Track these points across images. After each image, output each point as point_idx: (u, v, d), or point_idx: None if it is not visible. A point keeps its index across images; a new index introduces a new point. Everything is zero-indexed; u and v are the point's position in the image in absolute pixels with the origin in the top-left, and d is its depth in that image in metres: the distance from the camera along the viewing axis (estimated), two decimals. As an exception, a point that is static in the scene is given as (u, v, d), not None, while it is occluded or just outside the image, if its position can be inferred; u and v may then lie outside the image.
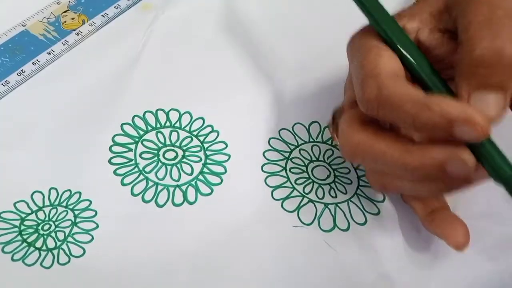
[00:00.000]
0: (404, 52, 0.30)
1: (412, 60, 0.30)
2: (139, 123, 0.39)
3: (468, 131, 0.26)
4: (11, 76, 0.42)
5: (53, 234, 0.34)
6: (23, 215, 0.34)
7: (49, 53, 0.43)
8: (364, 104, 0.29)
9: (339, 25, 0.45)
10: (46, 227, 0.34)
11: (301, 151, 0.38)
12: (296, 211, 0.36)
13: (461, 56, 0.28)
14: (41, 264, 0.33)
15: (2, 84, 0.41)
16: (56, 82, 0.41)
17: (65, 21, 0.45)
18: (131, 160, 0.37)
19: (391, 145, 0.29)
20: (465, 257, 0.35)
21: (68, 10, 0.45)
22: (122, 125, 0.38)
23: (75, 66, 0.42)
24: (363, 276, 0.34)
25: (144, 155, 0.37)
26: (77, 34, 0.44)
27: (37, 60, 0.42)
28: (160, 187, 0.36)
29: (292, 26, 0.45)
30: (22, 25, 0.44)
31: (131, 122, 0.39)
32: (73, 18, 0.45)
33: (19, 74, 0.42)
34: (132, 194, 0.36)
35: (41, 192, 0.35)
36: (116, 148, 0.37)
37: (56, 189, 0.36)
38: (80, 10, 0.45)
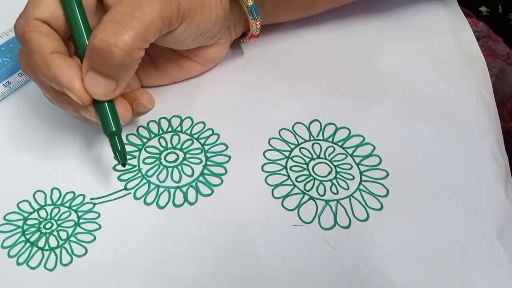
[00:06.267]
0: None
1: (67, 10, 0.36)
2: (143, 132, 0.42)
3: (72, 96, 0.34)
4: (12, 77, 0.43)
5: (55, 233, 0.37)
6: (26, 215, 0.38)
7: (50, 53, 0.44)
8: (15, 33, 0.36)
9: (338, 25, 0.46)
10: (48, 225, 0.37)
11: (302, 150, 0.40)
12: (296, 209, 0.38)
13: (92, 33, 0.34)
14: (44, 266, 0.36)
15: (3, 85, 0.43)
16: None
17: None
18: (135, 166, 0.40)
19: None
20: (466, 256, 0.36)
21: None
22: (127, 135, 0.41)
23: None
24: (364, 275, 0.35)
25: (146, 160, 0.40)
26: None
27: (38, 60, 0.44)
28: (161, 189, 0.39)
29: (290, 26, 0.46)
30: (24, 25, 0.45)
31: (135, 133, 0.42)
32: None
33: (20, 75, 0.44)
34: (135, 198, 0.38)
35: (43, 192, 0.39)
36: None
37: (58, 189, 0.39)
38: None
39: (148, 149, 0.41)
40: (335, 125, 0.41)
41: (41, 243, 0.36)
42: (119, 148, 0.37)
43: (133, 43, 0.33)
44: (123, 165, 0.37)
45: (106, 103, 0.36)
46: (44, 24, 0.35)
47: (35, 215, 0.37)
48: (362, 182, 0.39)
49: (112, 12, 0.34)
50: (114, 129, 0.36)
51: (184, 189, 0.38)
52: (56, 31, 0.36)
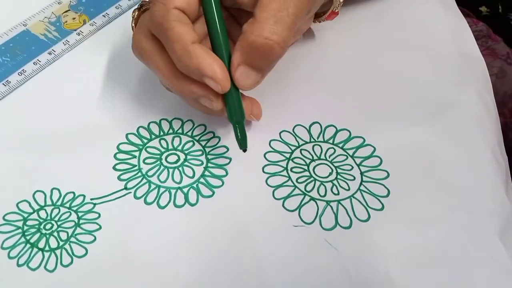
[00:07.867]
0: None
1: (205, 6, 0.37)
2: (144, 132, 0.42)
3: (212, 84, 0.36)
4: (12, 76, 0.44)
5: (55, 234, 0.37)
6: (26, 215, 0.38)
7: (50, 53, 0.45)
8: (151, 22, 0.37)
9: (337, 26, 0.47)
10: (48, 226, 0.37)
11: (302, 151, 0.41)
12: (297, 210, 0.38)
13: (247, 29, 0.35)
14: (45, 267, 0.36)
15: (3, 84, 0.43)
16: (57, 82, 0.44)
17: (66, 21, 0.47)
18: (135, 166, 0.40)
19: (166, 65, 0.37)
20: (467, 256, 0.36)
21: (69, 10, 0.48)
22: (127, 134, 0.41)
23: (76, 66, 0.45)
24: (365, 275, 0.36)
25: (147, 160, 0.41)
26: (78, 34, 0.46)
27: (38, 60, 0.45)
28: (162, 190, 0.39)
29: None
30: (23, 25, 0.46)
31: (135, 132, 0.42)
32: (74, 18, 0.47)
33: (20, 74, 0.44)
34: (135, 197, 0.39)
35: (43, 192, 0.39)
36: (120, 156, 0.41)
37: (58, 189, 0.39)
38: (81, 10, 0.48)
39: (148, 149, 0.41)
40: (335, 127, 0.41)
41: (41, 244, 0.36)
42: (244, 135, 0.38)
43: (289, 39, 0.35)
44: (245, 151, 0.39)
45: (237, 92, 0.38)
46: (182, 13, 0.36)
47: (35, 215, 0.38)
48: (363, 183, 0.39)
49: (268, 8, 0.35)
50: (241, 118, 0.38)
51: (185, 190, 0.39)
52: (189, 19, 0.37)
